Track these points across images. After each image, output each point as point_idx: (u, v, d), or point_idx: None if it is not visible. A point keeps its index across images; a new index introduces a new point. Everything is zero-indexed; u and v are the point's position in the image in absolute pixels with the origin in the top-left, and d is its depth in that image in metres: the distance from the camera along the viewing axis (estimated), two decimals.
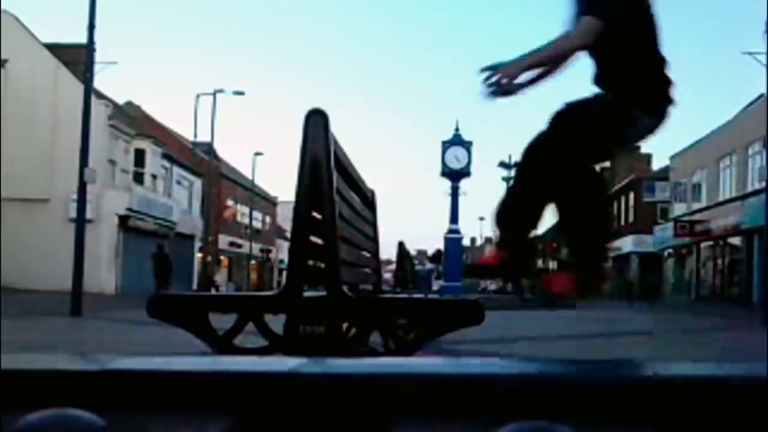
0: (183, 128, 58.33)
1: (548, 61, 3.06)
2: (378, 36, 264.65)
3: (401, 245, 8.52)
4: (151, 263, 25.80)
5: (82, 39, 14.26)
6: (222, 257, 48.96)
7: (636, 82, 3.06)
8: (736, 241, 33.69)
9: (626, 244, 51.43)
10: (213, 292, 34.05)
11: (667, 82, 3.12)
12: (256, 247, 52.50)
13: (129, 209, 31.64)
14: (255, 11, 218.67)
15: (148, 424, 0.55)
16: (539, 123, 3.04)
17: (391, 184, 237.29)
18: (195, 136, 38.91)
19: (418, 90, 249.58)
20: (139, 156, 34.81)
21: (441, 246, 24.11)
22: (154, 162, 36.00)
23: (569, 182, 3.09)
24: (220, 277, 48.43)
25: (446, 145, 21.88)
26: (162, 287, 23.10)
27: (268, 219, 60.60)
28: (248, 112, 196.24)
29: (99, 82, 33.12)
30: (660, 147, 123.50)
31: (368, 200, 4.42)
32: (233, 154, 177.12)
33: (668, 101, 3.10)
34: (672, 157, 45.58)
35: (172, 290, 22.28)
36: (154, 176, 36.21)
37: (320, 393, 0.57)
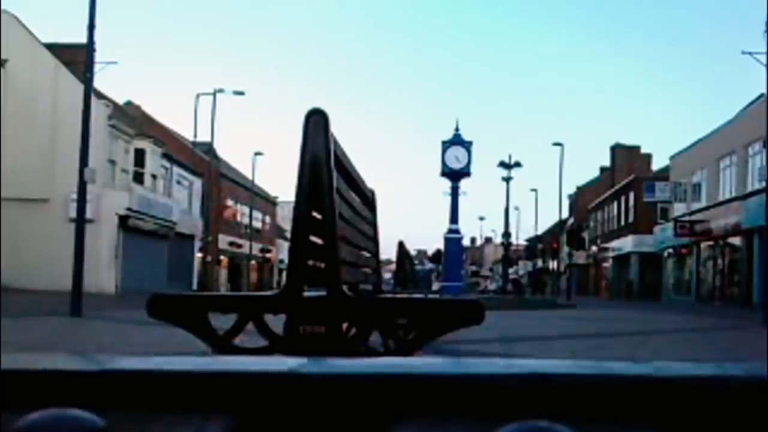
0: (183, 128, 58.41)
1: None
2: (378, 36, 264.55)
3: (401, 245, 8.49)
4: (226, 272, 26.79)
5: (82, 39, 14.26)
6: (222, 257, 48.95)
7: None
8: (736, 241, 33.67)
9: (626, 244, 51.44)
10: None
11: None
12: (256, 247, 52.49)
13: (129, 209, 31.63)
14: (255, 11, 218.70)
15: (148, 424, 0.55)
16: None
17: (391, 184, 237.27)
18: (195, 136, 38.93)
19: (418, 90, 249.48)
20: (139, 156, 34.80)
21: (441, 246, 24.13)
22: (154, 162, 35.98)
23: None
24: (222, 277, 48.45)
25: (446, 145, 21.88)
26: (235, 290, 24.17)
27: (268, 219, 60.59)
28: (248, 112, 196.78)
29: (99, 82, 33.18)
30: (660, 147, 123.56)
31: (368, 200, 4.42)
32: (233, 154, 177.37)
33: None
34: (672, 157, 45.59)
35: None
36: (154, 176, 36.19)
37: (320, 393, 0.57)
